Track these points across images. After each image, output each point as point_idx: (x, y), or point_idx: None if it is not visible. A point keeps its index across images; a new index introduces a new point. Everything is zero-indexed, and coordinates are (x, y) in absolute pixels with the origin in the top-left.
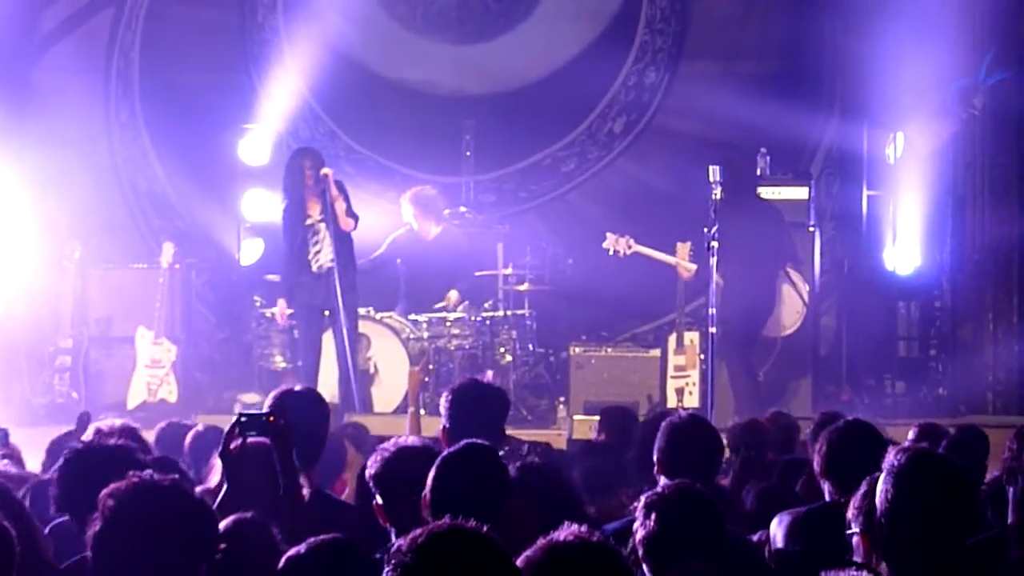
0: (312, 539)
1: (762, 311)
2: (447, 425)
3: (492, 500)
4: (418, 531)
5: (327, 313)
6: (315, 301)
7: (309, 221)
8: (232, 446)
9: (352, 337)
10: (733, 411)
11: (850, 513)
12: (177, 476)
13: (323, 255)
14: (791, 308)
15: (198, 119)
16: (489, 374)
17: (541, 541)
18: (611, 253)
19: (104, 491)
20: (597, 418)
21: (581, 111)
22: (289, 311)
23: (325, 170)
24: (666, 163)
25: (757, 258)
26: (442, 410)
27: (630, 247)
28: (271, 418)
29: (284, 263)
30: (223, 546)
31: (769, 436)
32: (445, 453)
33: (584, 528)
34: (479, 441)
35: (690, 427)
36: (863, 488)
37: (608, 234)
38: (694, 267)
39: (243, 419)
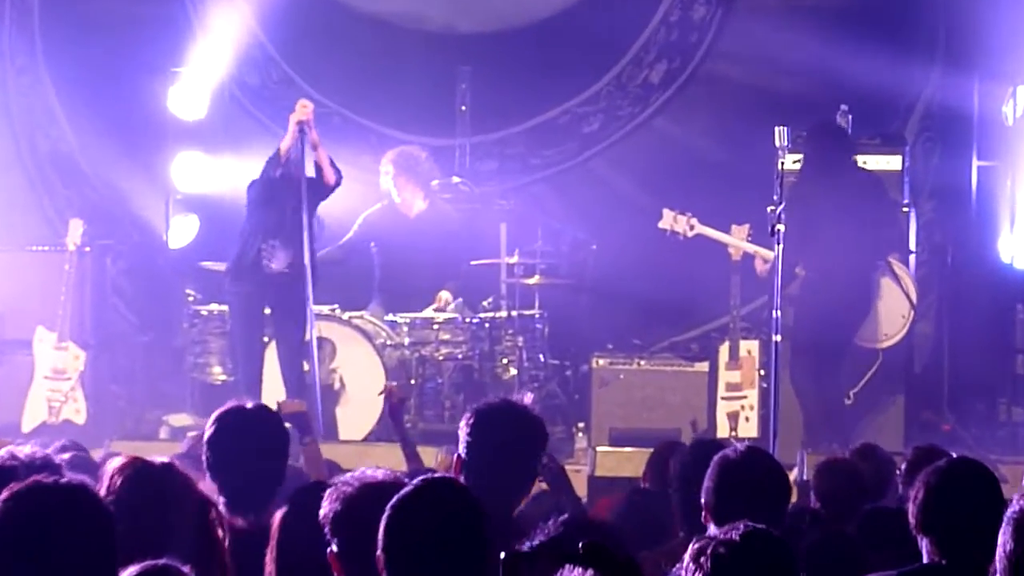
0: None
1: (855, 314)
2: (464, 456)
3: (464, 561)
4: None
5: (268, 311)
6: (260, 291)
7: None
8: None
9: (311, 342)
10: (802, 443)
11: None
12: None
13: (275, 260)
14: (894, 310)
15: (116, 62)
16: (529, 397)
17: None
18: (668, 234)
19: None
20: (628, 452)
21: (609, 55)
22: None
23: (303, 111)
24: (718, 122)
25: (852, 244)
26: (461, 433)
27: (692, 228)
28: None
29: (238, 245)
30: None
31: (865, 479)
32: (402, 493)
33: None
34: (443, 475)
35: (747, 464)
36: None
37: (665, 211)
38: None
39: None
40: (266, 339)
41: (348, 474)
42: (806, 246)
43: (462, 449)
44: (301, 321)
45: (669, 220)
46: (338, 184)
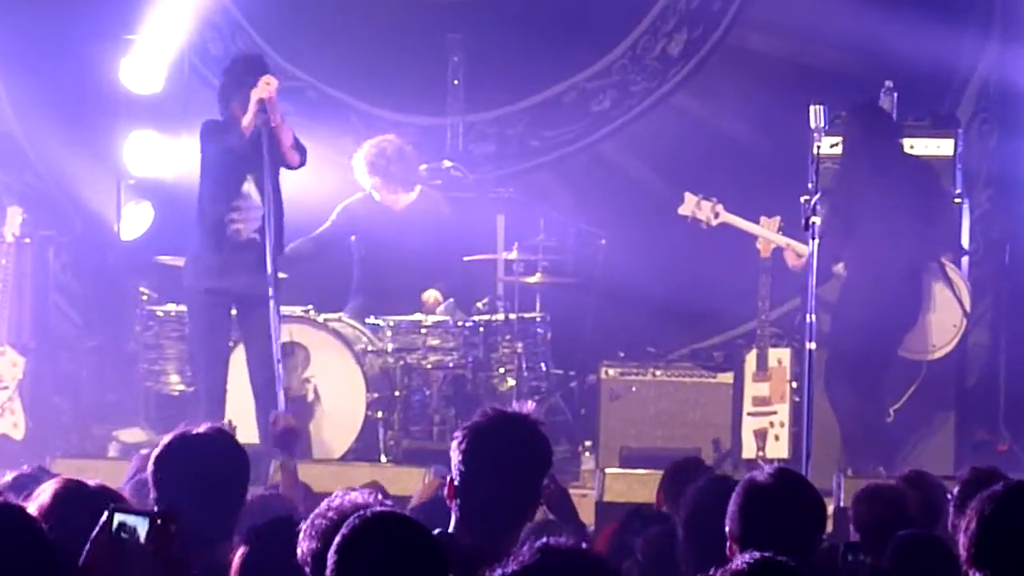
0: None
1: (900, 322)
2: (457, 480)
3: None
4: None
5: (234, 311)
6: (221, 287)
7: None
8: (95, 557)
9: (280, 349)
10: (839, 466)
11: None
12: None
13: (242, 224)
14: (944, 319)
15: (61, 29)
16: (530, 405)
17: None
18: (689, 222)
19: None
20: (641, 474)
21: (621, 23)
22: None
23: (267, 88)
24: (745, 100)
25: (898, 242)
26: (452, 456)
27: (717, 216)
28: (161, 521)
29: (196, 227)
30: None
31: (911, 508)
32: (351, 523)
33: None
34: (391, 509)
35: (777, 489)
36: None
37: (687, 195)
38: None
39: (117, 520)
40: (232, 343)
41: (323, 503)
42: (846, 243)
43: (455, 472)
44: (278, 318)
45: (691, 205)
46: (301, 165)
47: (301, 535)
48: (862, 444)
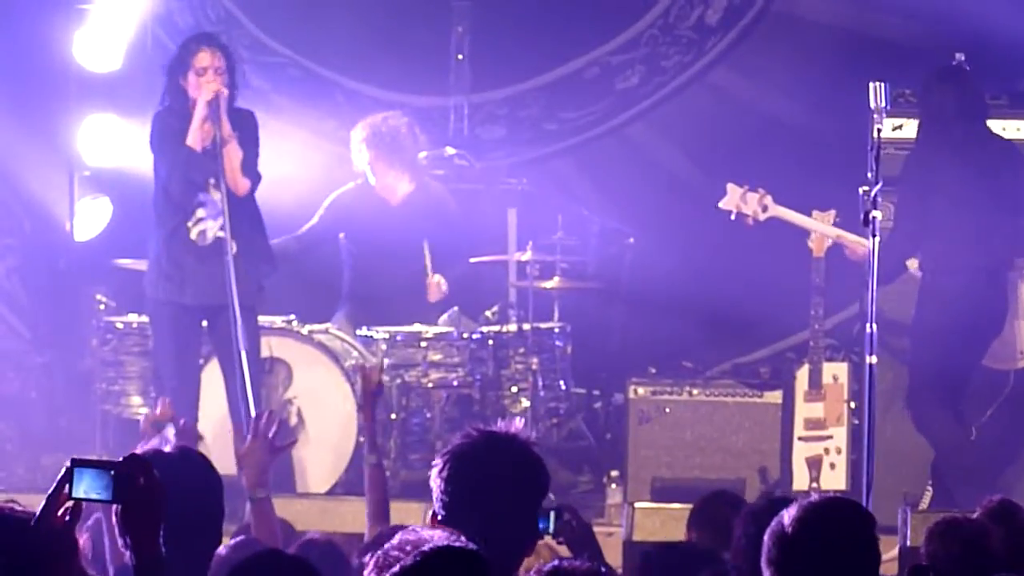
0: None
1: (986, 326)
2: (441, 512)
3: None
4: None
5: (205, 323)
6: (187, 298)
7: (195, 163)
8: (58, 513)
9: (254, 364)
10: (907, 498)
11: None
12: None
13: (209, 221)
14: None
15: None
16: (518, 423)
17: None
18: (733, 218)
19: None
20: (675, 509)
21: None
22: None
23: (212, 86)
24: (794, 76)
25: (984, 239)
26: (433, 486)
27: (765, 209)
28: (125, 472)
29: (154, 230)
30: None
31: (995, 545)
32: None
33: None
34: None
35: (803, 536)
36: None
37: (730, 186)
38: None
39: (78, 470)
40: (203, 359)
41: (396, 539)
42: (922, 239)
43: (436, 505)
44: (253, 332)
45: (735, 198)
46: (250, 192)
47: (368, 569)
48: (956, 470)
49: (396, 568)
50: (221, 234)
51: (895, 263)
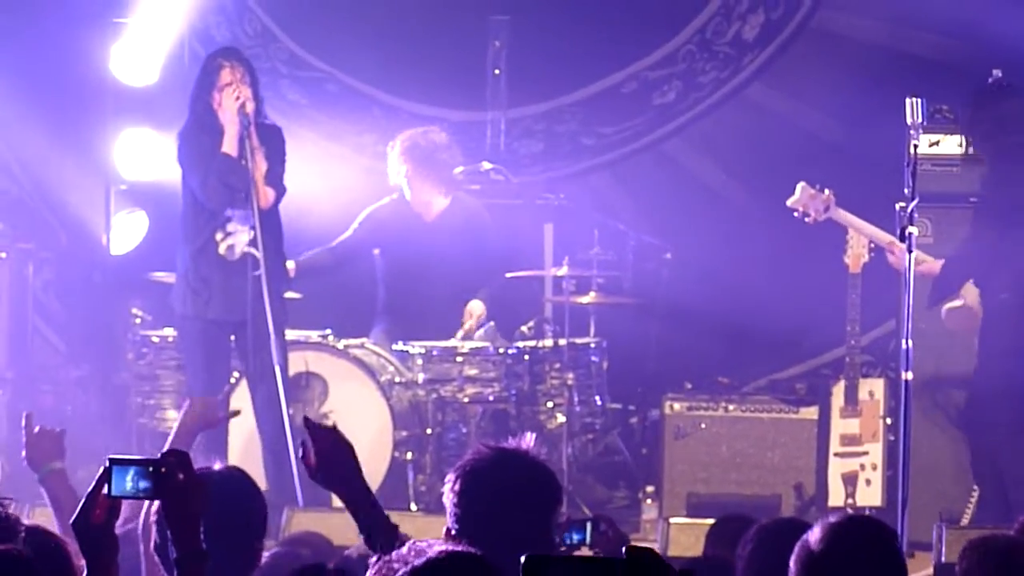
0: None
1: None
2: (454, 526)
3: None
4: None
5: (232, 338)
6: (214, 313)
7: (232, 169)
8: (95, 513)
9: (286, 380)
10: (943, 515)
11: None
12: None
13: (238, 236)
14: None
15: (42, 11)
16: (529, 439)
17: None
18: (798, 215)
19: None
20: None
21: (689, 3)
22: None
23: (242, 95)
24: (831, 92)
25: None
26: (447, 502)
27: (826, 209)
28: (164, 469)
29: (182, 246)
30: None
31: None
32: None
33: None
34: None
35: (858, 540)
36: None
37: (801, 184)
38: (933, 262)
39: (117, 469)
40: (235, 376)
41: (407, 548)
42: (993, 264)
43: (450, 520)
44: (282, 348)
45: (803, 197)
46: (274, 205)
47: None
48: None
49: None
50: (248, 249)
51: (951, 284)
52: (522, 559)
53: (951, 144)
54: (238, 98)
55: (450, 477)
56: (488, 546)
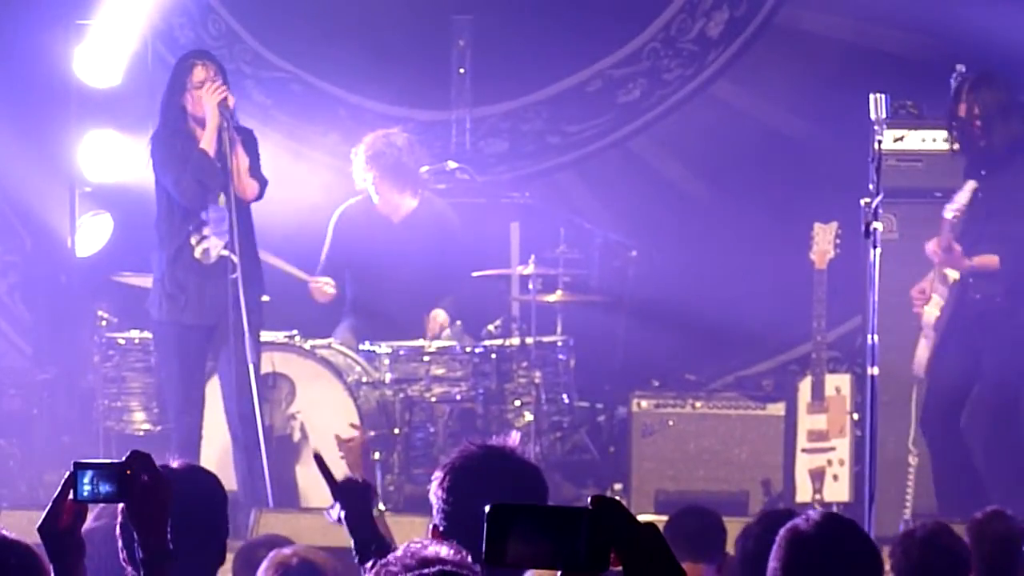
0: None
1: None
2: (441, 525)
3: None
4: None
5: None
6: (189, 317)
7: (207, 167)
8: (62, 518)
9: (259, 380)
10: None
11: None
12: None
13: (213, 239)
14: None
15: (3, 12)
16: (515, 437)
17: None
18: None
19: None
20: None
21: (651, 2)
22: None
23: (219, 91)
24: (795, 88)
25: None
26: (434, 499)
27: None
28: (129, 471)
29: (158, 251)
30: None
31: (965, 556)
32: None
33: None
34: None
35: (823, 538)
36: None
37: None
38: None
39: (81, 472)
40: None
41: (400, 550)
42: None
43: (437, 518)
44: (256, 349)
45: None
46: (258, 199)
47: None
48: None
49: None
50: (225, 252)
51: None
52: (486, 508)
53: (915, 139)
54: (218, 91)
55: (437, 475)
56: (475, 544)
